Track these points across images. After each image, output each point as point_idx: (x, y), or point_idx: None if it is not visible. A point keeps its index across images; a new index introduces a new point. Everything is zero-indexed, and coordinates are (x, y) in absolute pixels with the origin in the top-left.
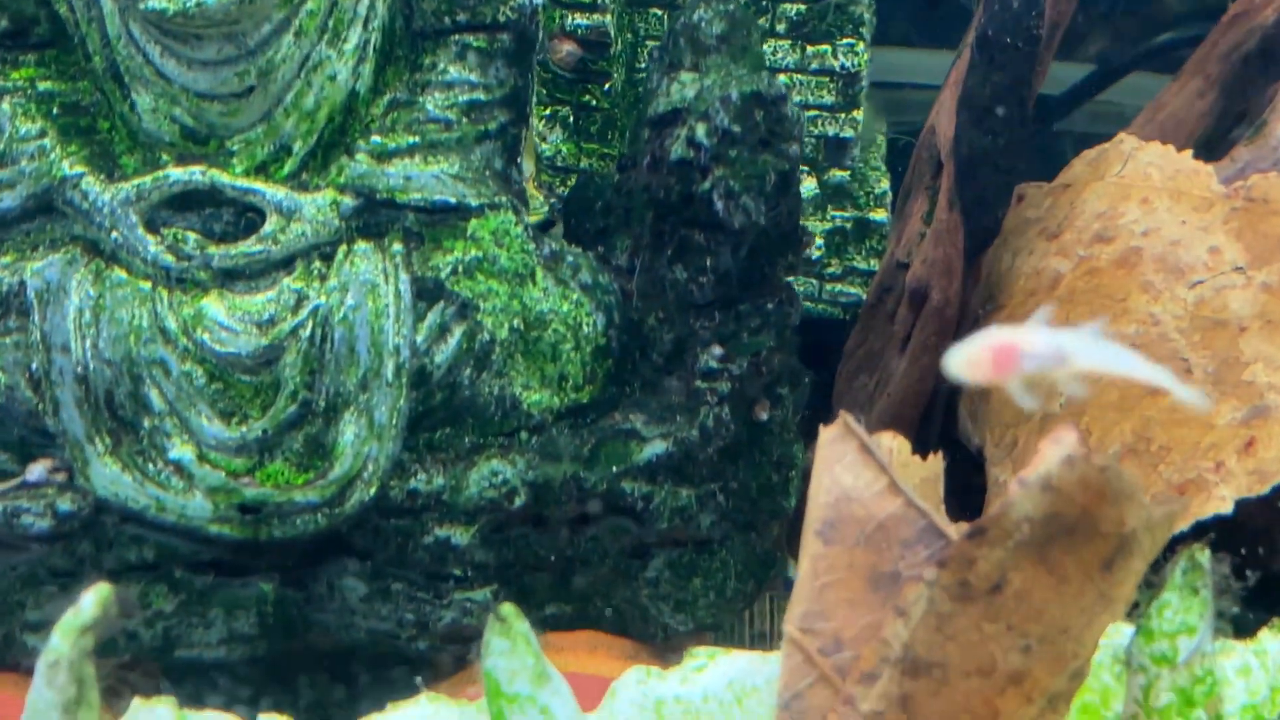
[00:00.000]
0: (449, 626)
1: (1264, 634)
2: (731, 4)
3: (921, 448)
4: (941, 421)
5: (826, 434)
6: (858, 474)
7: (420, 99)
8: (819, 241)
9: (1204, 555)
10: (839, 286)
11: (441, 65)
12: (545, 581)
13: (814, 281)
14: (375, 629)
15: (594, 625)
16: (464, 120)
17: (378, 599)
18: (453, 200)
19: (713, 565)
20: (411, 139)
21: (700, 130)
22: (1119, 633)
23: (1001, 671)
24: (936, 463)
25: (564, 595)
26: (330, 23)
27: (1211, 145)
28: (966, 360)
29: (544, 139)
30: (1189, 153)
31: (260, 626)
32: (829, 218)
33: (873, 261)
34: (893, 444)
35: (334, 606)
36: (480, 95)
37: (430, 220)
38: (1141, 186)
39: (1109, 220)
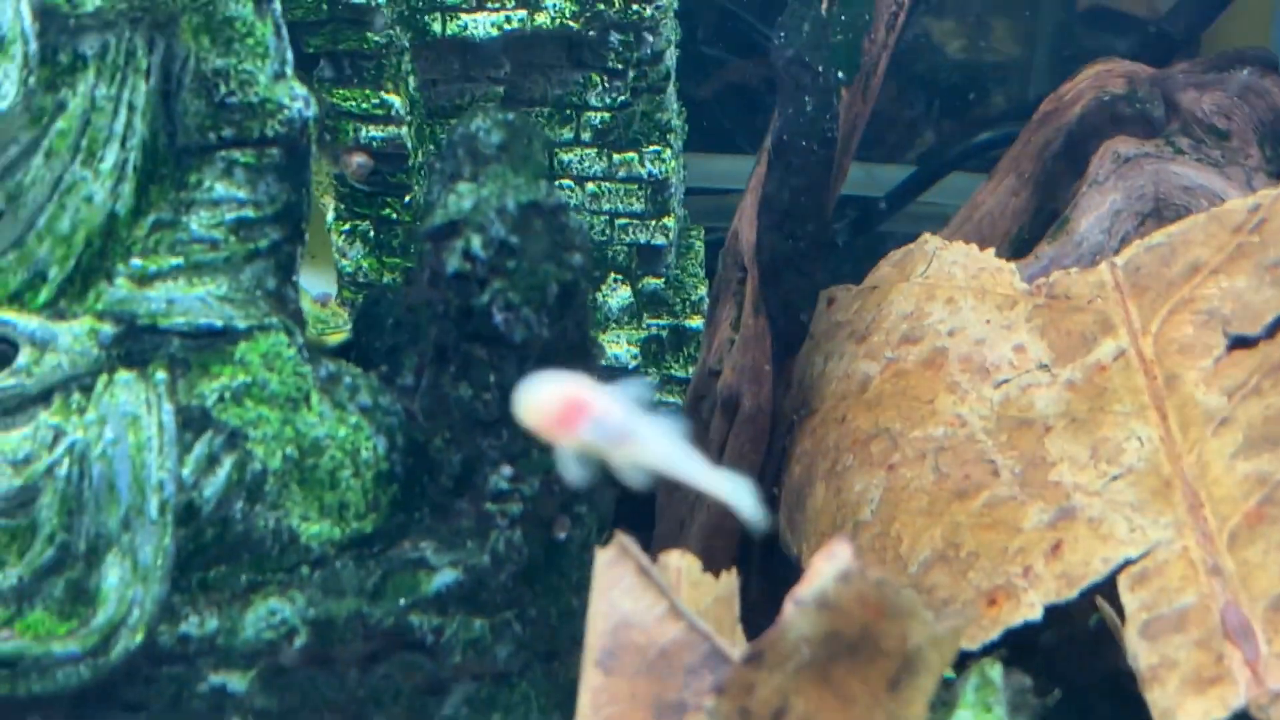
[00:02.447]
0: None
1: None
2: (512, 114)
3: (744, 561)
4: (762, 536)
5: (603, 557)
6: (637, 598)
7: (185, 218)
8: (634, 350)
9: (996, 670)
10: (656, 396)
11: (208, 183)
12: None
13: None
14: None
15: None
16: (232, 239)
17: None
18: (219, 324)
19: (513, 699)
20: (175, 260)
21: (476, 242)
22: None
23: None
24: (730, 580)
25: None
26: (84, 142)
27: (1028, 242)
28: (538, 404)
29: (344, 255)
30: (991, 251)
31: None
32: (645, 326)
33: (690, 369)
34: (681, 563)
35: None
36: (249, 212)
37: (196, 345)
38: (946, 286)
39: (915, 321)
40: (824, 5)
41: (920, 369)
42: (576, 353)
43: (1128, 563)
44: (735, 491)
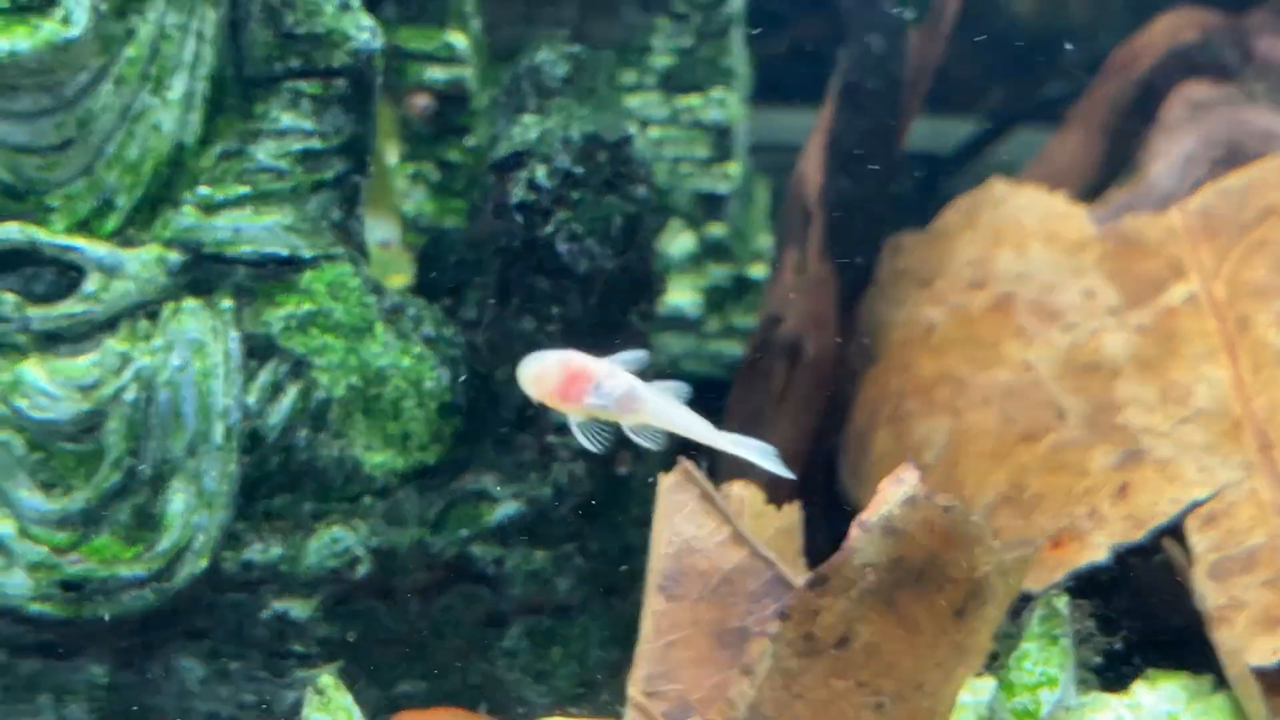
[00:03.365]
0: (292, 707)
1: (1137, 686)
2: (578, 47)
3: (804, 507)
4: (825, 480)
5: (666, 482)
6: (700, 524)
7: (251, 148)
8: (695, 301)
9: (1062, 601)
10: (719, 345)
11: (274, 113)
12: (396, 656)
13: (691, 340)
14: (215, 712)
15: (450, 701)
16: (298, 169)
17: (216, 680)
18: (285, 252)
19: (572, 632)
20: (242, 189)
21: (541, 172)
22: (981, 689)
23: None
24: (793, 513)
25: (417, 670)
26: (153, 70)
27: (1099, 194)
28: (539, 374)
29: (407, 198)
30: (1061, 195)
31: (93, 712)
32: (707, 274)
33: (753, 318)
34: (744, 493)
35: (171, 689)
36: (316, 143)
37: (262, 274)
38: (1014, 231)
39: (982, 266)
40: None
41: (987, 314)
42: (640, 286)
43: (1196, 504)
44: (744, 446)
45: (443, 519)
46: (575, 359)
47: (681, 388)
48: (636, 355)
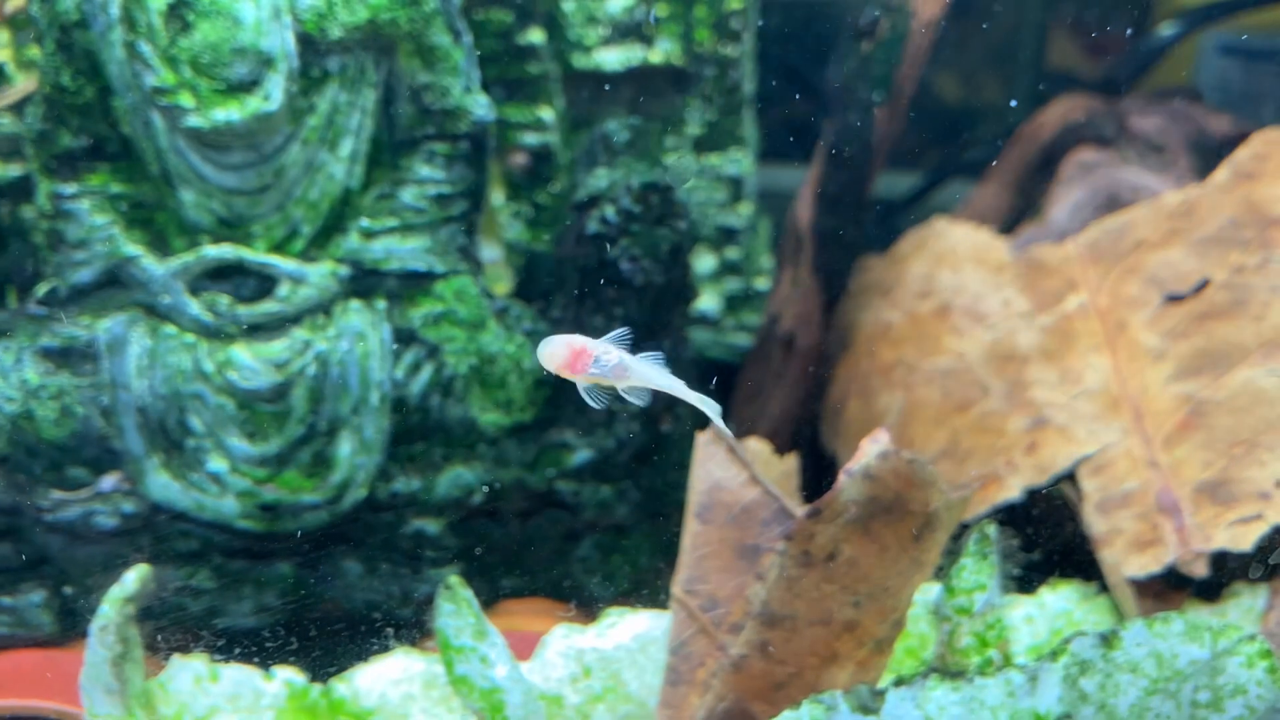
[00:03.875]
0: (425, 596)
1: (1043, 590)
2: (636, 119)
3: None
4: (810, 437)
5: (702, 438)
6: (726, 468)
7: (399, 192)
8: (716, 305)
9: (991, 528)
10: (733, 337)
11: (415, 167)
12: (500, 560)
13: (712, 333)
14: (369, 600)
15: (539, 594)
16: (433, 207)
17: (370, 577)
18: (424, 268)
19: (629, 545)
20: (393, 222)
21: (610, 210)
22: (930, 591)
23: (838, 621)
24: (791, 461)
25: (515, 571)
26: (329, 134)
27: (1010, 230)
28: (552, 352)
29: (508, 230)
30: (986, 230)
31: (282, 599)
32: (725, 285)
33: (758, 317)
34: (757, 447)
35: (338, 583)
36: (445, 189)
37: (407, 284)
38: (951, 256)
39: (928, 281)
40: (864, 48)
41: (931, 317)
42: (680, 294)
43: (1086, 458)
44: (703, 401)
45: (536, 462)
46: (578, 340)
47: (658, 357)
48: (622, 332)
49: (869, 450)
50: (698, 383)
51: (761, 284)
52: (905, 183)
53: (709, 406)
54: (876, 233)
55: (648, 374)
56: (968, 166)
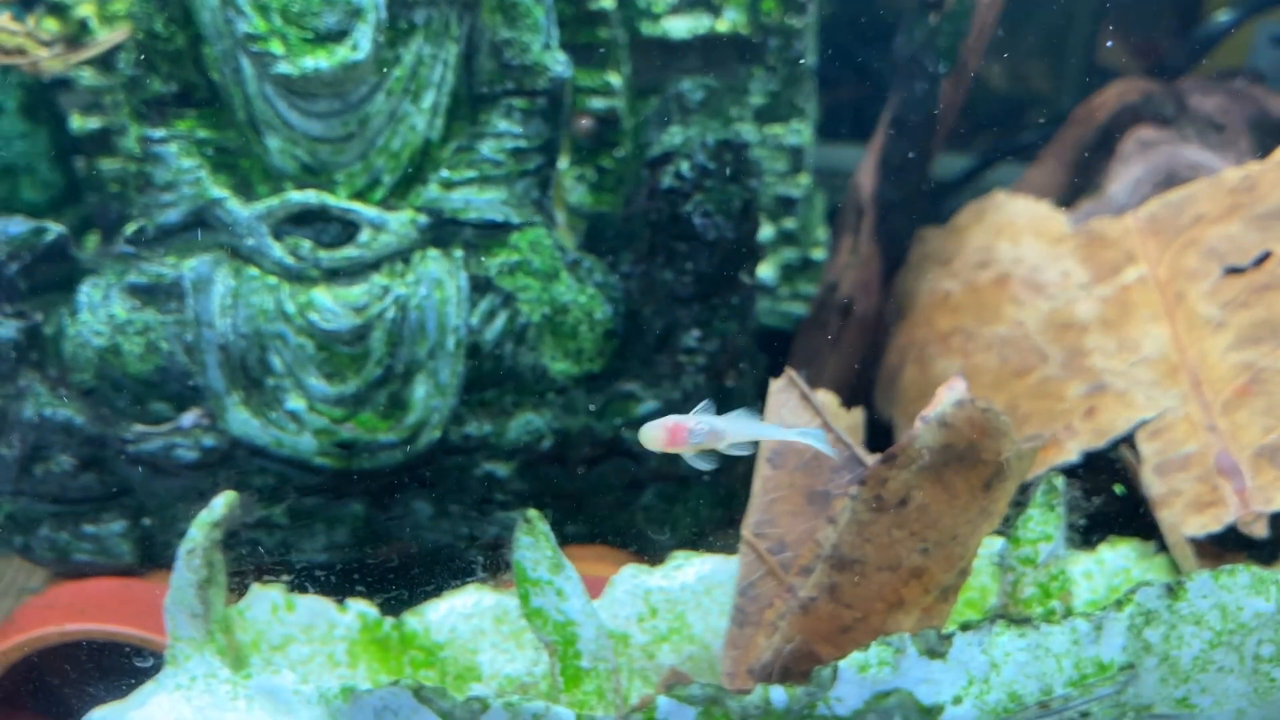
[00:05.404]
0: (493, 538)
1: (1102, 547)
2: (710, 78)
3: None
4: (864, 401)
5: (775, 385)
6: (798, 415)
7: (478, 145)
8: (773, 273)
9: (1060, 480)
10: (788, 305)
11: (494, 120)
12: (566, 506)
13: (769, 301)
14: (439, 540)
15: (603, 540)
16: (510, 161)
17: (441, 517)
18: (500, 219)
19: (689, 495)
20: (471, 174)
21: (684, 166)
22: (993, 545)
23: (906, 567)
24: (857, 414)
25: (580, 517)
26: (412, 86)
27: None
28: (653, 436)
29: (571, 192)
30: (1045, 203)
31: (353, 537)
32: (782, 255)
33: (813, 286)
34: (826, 398)
35: (408, 522)
36: (522, 143)
37: (483, 234)
38: (1010, 228)
39: (987, 252)
40: (931, 18)
41: (989, 286)
42: (749, 251)
43: (1144, 422)
44: (806, 436)
45: (603, 411)
46: (671, 420)
47: (747, 412)
48: (706, 404)
49: (945, 398)
50: (749, 335)
51: (817, 254)
52: (957, 163)
53: (811, 437)
54: (933, 208)
55: (740, 430)
56: (1016, 149)
